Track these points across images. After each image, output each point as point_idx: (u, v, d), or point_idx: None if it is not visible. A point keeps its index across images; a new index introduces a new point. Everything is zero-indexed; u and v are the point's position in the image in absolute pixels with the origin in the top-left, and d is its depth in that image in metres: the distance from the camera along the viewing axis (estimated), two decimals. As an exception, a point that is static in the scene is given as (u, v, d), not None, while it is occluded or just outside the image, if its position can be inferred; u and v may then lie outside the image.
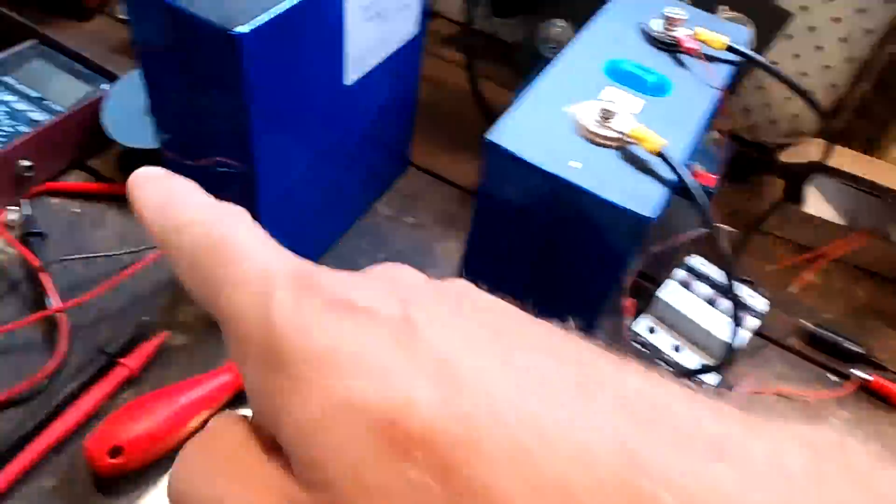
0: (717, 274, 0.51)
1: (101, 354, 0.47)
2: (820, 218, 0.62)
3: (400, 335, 0.13)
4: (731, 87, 0.66)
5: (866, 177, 0.61)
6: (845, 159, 0.63)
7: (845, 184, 0.62)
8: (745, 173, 0.71)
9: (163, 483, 0.42)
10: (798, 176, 0.54)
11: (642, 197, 0.31)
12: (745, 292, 0.50)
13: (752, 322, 0.48)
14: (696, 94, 0.38)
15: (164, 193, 0.19)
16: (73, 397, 0.44)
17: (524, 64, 0.75)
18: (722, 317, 0.48)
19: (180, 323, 0.50)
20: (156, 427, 0.42)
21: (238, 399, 0.46)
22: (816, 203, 0.63)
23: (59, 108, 0.57)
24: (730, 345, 0.36)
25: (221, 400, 0.45)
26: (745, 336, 0.47)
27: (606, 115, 0.34)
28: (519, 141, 0.33)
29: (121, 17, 0.71)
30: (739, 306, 0.48)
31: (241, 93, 0.37)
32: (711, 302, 0.49)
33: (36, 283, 0.50)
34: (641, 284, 0.53)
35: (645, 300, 0.50)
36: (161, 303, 0.51)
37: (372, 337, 0.13)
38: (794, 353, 0.57)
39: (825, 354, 0.57)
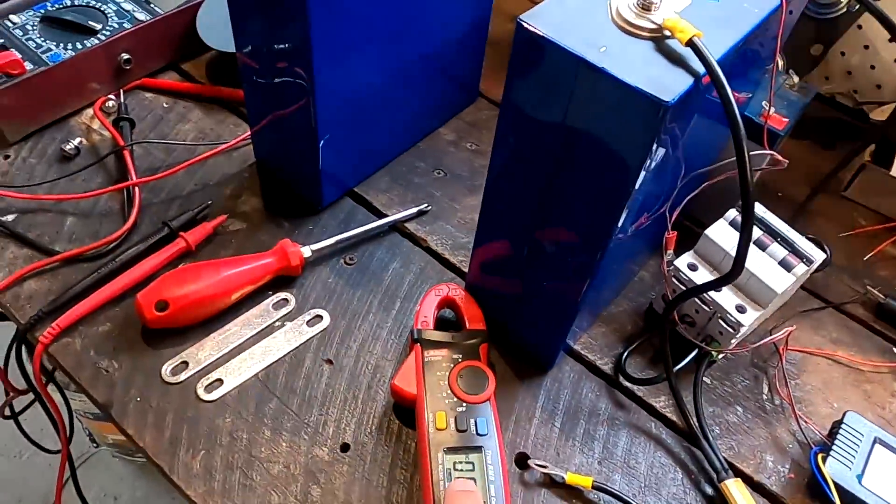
0: (774, 220, 0.48)
1: (165, 227, 0.51)
2: (909, 184, 0.57)
3: None
4: (827, 41, 0.61)
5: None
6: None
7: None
8: (833, 138, 0.66)
9: (200, 343, 0.46)
10: (888, 138, 0.50)
11: (664, 85, 0.30)
12: (804, 243, 0.47)
13: (800, 269, 0.45)
14: (752, 1, 0.36)
15: None
16: (136, 260, 0.49)
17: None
18: (769, 260, 0.46)
19: (241, 211, 0.54)
20: (200, 290, 0.46)
21: (276, 281, 0.49)
22: (906, 166, 0.58)
23: (160, 10, 0.62)
24: (739, 258, 0.34)
25: (262, 279, 0.49)
26: (787, 280, 0.44)
27: (645, 6, 0.33)
28: (551, 25, 0.32)
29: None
30: (790, 251, 0.46)
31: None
32: (762, 246, 0.46)
33: (120, 160, 0.55)
34: (691, 227, 0.51)
35: (693, 243, 0.48)
36: (226, 192, 0.55)
37: None
38: (856, 320, 0.53)
39: (893, 327, 0.53)
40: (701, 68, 0.31)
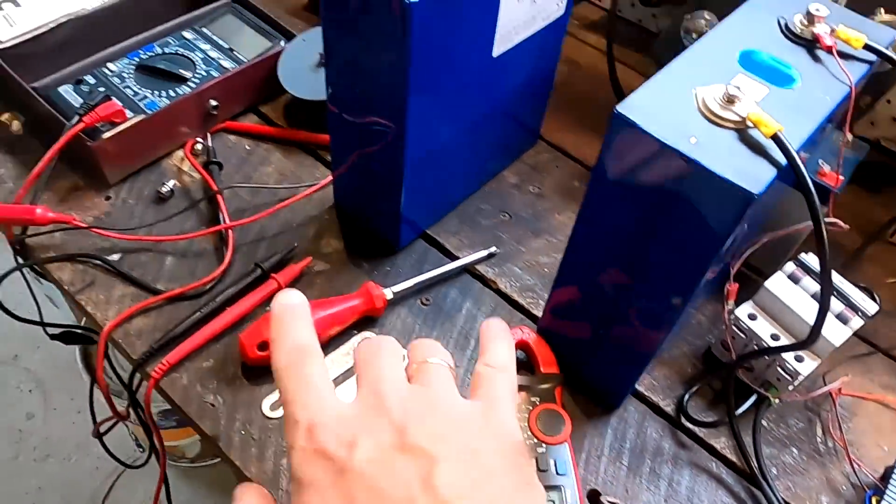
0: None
1: (258, 268, 0.55)
2: (956, 235, 0.60)
3: (338, 477, 0.26)
4: (876, 93, 0.64)
5: None
6: None
7: None
8: (878, 182, 0.69)
9: (296, 380, 0.50)
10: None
11: (751, 175, 0.33)
12: (857, 295, 0.50)
13: (856, 322, 0.48)
14: (824, 88, 0.39)
15: (287, 317, 0.32)
16: (233, 299, 0.53)
17: (663, 52, 0.76)
18: (828, 315, 0.49)
19: (323, 253, 0.58)
20: (296, 332, 0.50)
21: (363, 321, 0.53)
22: (953, 219, 0.60)
23: (243, 58, 0.66)
24: (815, 326, 0.38)
25: (349, 321, 0.52)
26: (844, 333, 0.48)
27: (730, 99, 0.36)
28: (644, 115, 0.36)
29: (299, -17, 0.79)
30: (846, 304, 0.49)
31: (405, 57, 0.43)
32: (819, 299, 0.49)
33: (212, 203, 0.59)
34: (749, 275, 0.55)
35: (750, 290, 0.51)
36: (309, 234, 0.59)
37: (323, 475, 0.26)
38: (905, 365, 0.56)
39: (939, 373, 0.55)
40: (783, 159, 0.35)
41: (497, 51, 0.51)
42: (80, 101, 0.59)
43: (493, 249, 0.59)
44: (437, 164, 0.55)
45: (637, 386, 0.52)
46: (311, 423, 0.28)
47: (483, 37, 0.49)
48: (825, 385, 0.51)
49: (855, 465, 0.49)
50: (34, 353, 1.53)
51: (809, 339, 0.38)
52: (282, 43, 0.68)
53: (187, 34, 0.68)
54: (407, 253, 0.59)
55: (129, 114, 0.59)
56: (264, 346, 0.49)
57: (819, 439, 0.51)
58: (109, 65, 0.64)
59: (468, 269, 0.58)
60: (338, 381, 0.51)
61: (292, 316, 0.32)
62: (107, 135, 0.57)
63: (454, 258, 0.58)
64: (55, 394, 1.47)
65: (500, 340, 0.34)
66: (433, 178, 0.56)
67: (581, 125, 0.71)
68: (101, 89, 0.60)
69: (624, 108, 0.36)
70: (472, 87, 0.52)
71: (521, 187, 0.65)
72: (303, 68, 0.66)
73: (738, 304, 0.50)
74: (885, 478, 0.47)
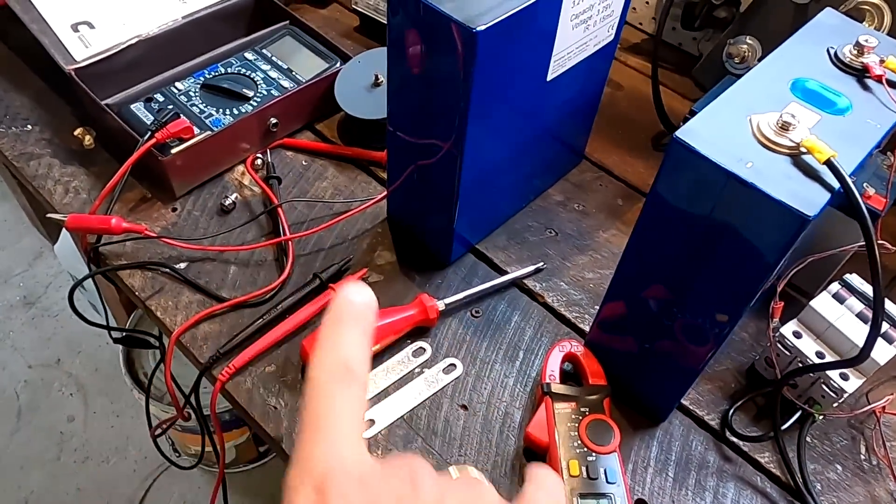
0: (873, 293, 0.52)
1: (316, 278, 0.58)
2: None
3: None
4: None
5: None
6: None
7: None
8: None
9: (354, 386, 0.52)
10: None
11: (805, 198, 0.35)
12: (902, 315, 0.51)
13: (903, 342, 0.49)
14: (874, 116, 0.41)
15: (345, 318, 0.26)
16: (293, 308, 0.56)
17: (705, 76, 0.78)
18: (872, 333, 0.50)
19: (377, 265, 0.60)
20: (356, 340, 0.52)
21: (416, 331, 0.55)
22: None
23: (301, 78, 0.69)
24: (867, 344, 0.39)
25: (403, 330, 0.55)
26: (890, 352, 0.49)
27: (784, 126, 0.38)
28: (702, 141, 0.38)
29: (352, 6, 0.83)
30: (891, 324, 0.50)
31: (468, 82, 0.46)
32: (864, 318, 0.51)
33: (272, 216, 0.62)
34: (792, 294, 0.56)
35: (795, 309, 0.53)
36: (363, 246, 0.62)
37: None
38: (949, 387, 0.57)
39: (984, 394, 0.56)
40: (835, 183, 0.36)
41: (551, 75, 0.54)
42: (151, 117, 0.63)
43: (540, 265, 0.61)
44: (488, 182, 0.58)
45: (682, 400, 0.54)
46: (325, 474, 0.22)
47: (540, 62, 0.52)
48: (869, 403, 0.52)
49: (899, 483, 0.50)
50: (76, 357, 1.57)
51: (860, 357, 0.40)
52: (337, 64, 0.71)
53: (248, 55, 0.71)
54: (457, 266, 0.61)
55: (196, 130, 0.62)
56: (326, 352, 0.51)
57: (863, 456, 0.52)
58: (177, 84, 0.67)
59: (516, 284, 0.61)
60: (394, 386, 0.53)
61: (352, 319, 0.26)
62: (176, 150, 0.61)
63: (502, 272, 0.61)
64: (95, 397, 1.51)
65: (347, 327, 0.26)
66: (484, 195, 0.59)
67: (624, 145, 0.73)
68: (171, 107, 0.64)
69: (683, 133, 0.39)
70: (525, 109, 0.55)
71: (567, 205, 0.67)
72: (358, 88, 0.69)
73: (782, 322, 0.52)
74: (930, 496, 0.48)
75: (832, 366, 0.44)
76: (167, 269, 0.58)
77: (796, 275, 0.49)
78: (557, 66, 0.54)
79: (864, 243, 0.42)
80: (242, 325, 0.55)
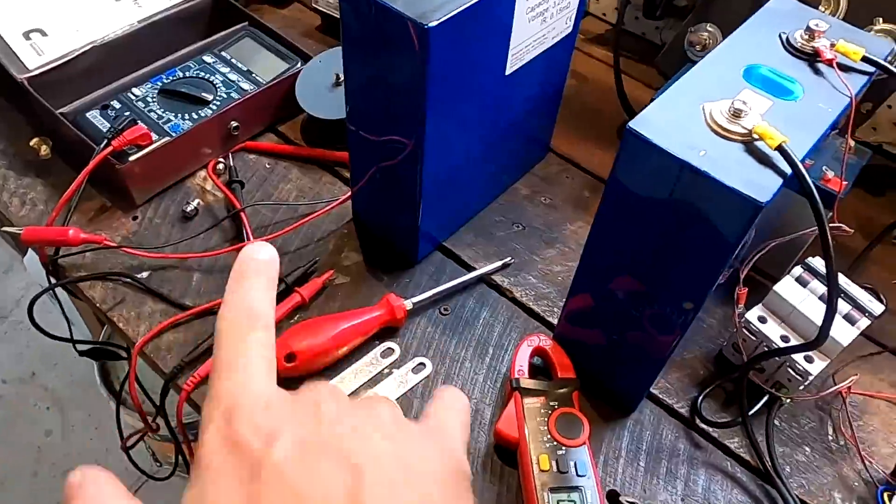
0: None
1: (281, 282, 0.57)
2: (958, 236, 0.62)
3: (249, 474, 0.22)
4: (877, 100, 0.66)
5: None
6: None
7: None
8: (881, 185, 0.71)
9: (323, 389, 0.52)
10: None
11: (758, 185, 0.35)
12: (863, 296, 0.52)
13: (863, 322, 0.50)
14: (825, 100, 0.41)
15: (248, 272, 0.28)
16: (259, 313, 0.55)
17: (668, 65, 0.78)
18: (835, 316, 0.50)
19: (344, 266, 0.60)
20: (322, 343, 0.52)
21: (383, 332, 0.55)
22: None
23: (262, 80, 0.69)
24: (824, 327, 0.39)
25: (371, 331, 0.54)
26: (852, 333, 0.49)
27: (736, 113, 0.38)
28: (655, 130, 0.38)
29: (313, 5, 0.82)
30: (853, 305, 0.51)
31: (423, 78, 0.45)
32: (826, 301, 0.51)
33: (236, 220, 0.61)
34: (757, 279, 0.56)
35: (760, 294, 0.53)
36: (329, 247, 0.61)
37: (232, 469, 0.23)
38: (912, 365, 0.57)
39: (946, 371, 0.57)
40: (788, 169, 0.36)
41: (510, 69, 0.54)
42: (107, 125, 0.62)
43: (507, 260, 0.61)
44: (453, 178, 0.57)
45: (651, 389, 0.54)
46: (232, 403, 0.24)
47: (497, 56, 0.51)
48: (835, 384, 0.52)
49: (866, 462, 0.50)
50: (51, 371, 1.55)
51: (818, 340, 0.40)
52: (298, 64, 0.70)
53: (207, 58, 0.70)
54: (424, 265, 0.61)
55: (154, 137, 0.61)
56: (292, 357, 0.51)
57: (830, 437, 0.52)
58: (134, 90, 0.66)
59: (484, 280, 0.60)
60: (363, 388, 0.52)
61: (253, 273, 0.28)
62: (134, 157, 0.59)
63: (470, 269, 0.60)
64: (73, 411, 1.49)
65: (248, 280, 0.28)
66: (449, 192, 0.58)
67: (589, 137, 0.73)
68: (127, 114, 0.63)
69: (636, 123, 0.38)
70: (485, 104, 0.54)
71: (534, 199, 0.67)
72: (319, 88, 0.68)
73: (747, 307, 0.52)
74: (896, 473, 0.48)
75: (792, 350, 0.45)
76: (129, 279, 0.57)
77: (762, 259, 0.50)
78: (516, 59, 0.53)
79: (818, 226, 0.42)
80: (207, 332, 0.54)
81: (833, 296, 0.38)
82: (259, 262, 0.28)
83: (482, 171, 0.61)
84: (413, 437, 0.26)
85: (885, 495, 0.47)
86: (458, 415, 0.30)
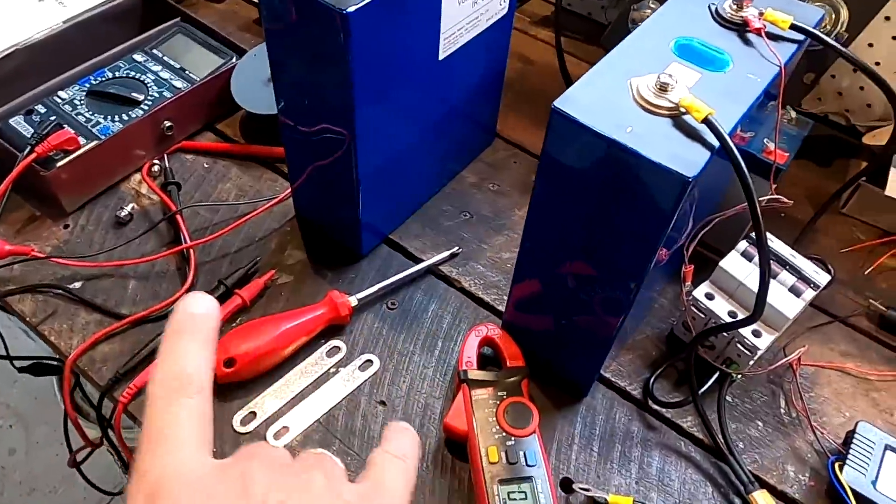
0: (780, 247, 0.52)
1: (221, 285, 0.55)
2: (903, 202, 0.62)
3: None
4: (819, 70, 0.66)
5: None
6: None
7: (932, 169, 0.61)
8: (828, 156, 0.71)
9: (264, 393, 0.50)
10: (880, 158, 0.54)
11: (685, 159, 0.34)
12: (809, 267, 0.51)
13: (808, 294, 0.49)
14: (754, 70, 0.40)
15: (181, 331, 0.27)
16: (198, 318, 0.53)
17: (612, 44, 0.77)
18: (780, 288, 0.50)
19: (287, 265, 0.58)
20: (262, 346, 0.50)
21: (327, 330, 0.53)
22: (899, 187, 0.62)
23: (195, 77, 0.66)
24: (759, 300, 0.39)
25: (315, 330, 0.53)
26: (798, 305, 0.49)
27: (662, 87, 0.37)
28: (581, 108, 0.37)
29: (248, -2, 0.80)
30: (798, 277, 0.50)
31: (347, 65, 0.44)
32: (773, 275, 0.51)
33: (173, 224, 0.59)
34: (708, 256, 0.56)
35: (710, 271, 0.52)
36: (272, 246, 0.59)
37: None
38: (862, 332, 0.57)
39: (894, 336, 0.57)
40: (716, 142, 0.36)
41: (443, 53, 0.52)
42: (32, 131, 0.59)
43: (455, 249, 0.60)
44: (394, 169, 0.56)
45: (604, 372, 0.53)
46: (158, 481, 0.23)
47: (427, 41, 0.50)
48: (786, 357, 0.52)
49: (818, 433, 0.50)
50: (11, 387, 1.50)
51: (755, 314, 0.39)
52: (233, 59, 0.68)
53: (138, 56, 0.68)
54: (371, 259, 0.59)
55: (82, 141, 0.59)
56: (231, 362, 0.49)
57: (783, 410, 0.52)
58: (60, 93, 0.63)
59: (432, 271, 0.59)
60: (308, 389, 0.51)
61: (188, 330, 0.27)
62: (60, 163, 0.57)
63: (418, 261, 0.59)
64: (36, 427, 1.45)
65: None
66: (391, 183, 0.57)
67: (536, 121, 0.72)
68: (53, 118, 0.60)
69: (562, 102, 0.37)
70: (421, 90, 0.53)
71: (481, 186, 0.66)
72: (256, 83, 0.66)
73: (696, 284, 0.52)
74: (847, 443, 0.48)
75: (733, 325, 0.44)
76: (60, 290, 0.54)
77: (711, 236, 0.49)
78: (448, 43, 0.52)
79: (764, 199, 0.42)
80: (144, 341, 0.52)
81: (765, 268, 0.37)
82: (195, 318, 0.27)
83: (425, 159, 0.60)
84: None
85: (836, 465, 0.47)
86: (402, 464, 0.29)
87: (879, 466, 0.47)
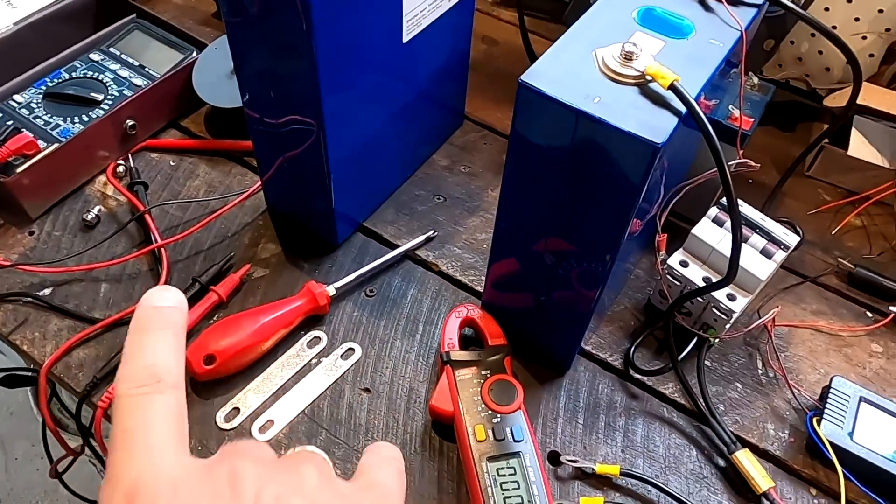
0: (750, 211, 0.53)
1: (196, 283, 0.54)
2: (864, 161, 0.63)
3: None
4: (779, 35, 0.67)
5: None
6: (893, 101, 0.63)
7: (891, 126, 0.63)
8: (792, 120, 0.72)
9: (246, 388, 0.50)
10: (840, 119, 0.55)
11: (653, 126, 0.35)
12: (778, 229, 0.52)
13: (779, 256, 0.50)
14: (716, 35, 0.41)
15: (147, 326, 0.25)
16: (175, 317, 0.52)
17: (573, 20, 0.78)
18: (751, 251, 0.51)
19: (262, 258, 0.58)
20: (241, 340, 0.49)
21: (307, 321, 0.53)
22: (860, 146, 0.64)
23: (156, 73, 0.65)
24: (732, 263, 0.39)
25: (294, 322, 0.52)
26: (770, 267, 0.50)
27: (628, 56, 0.37)
28: (548, 81, 0.37)
29: (205, -9, 0.78)
30: (768, 239, 0.51)
31: (311, 53, 0.43)
32: (744, 238, 0.52)
33: (142, 224, 0.58)
34: (681, 224, 0.56)
35: (683, 239, 0.53)
36: (245, 241, 0.59)
37: None
38: (832, 291, 0.59)
39: (864, 293, 0.58)
40: (682, 107, 0.36)
41: (407, 36, 0.52)
42: (-12, 137, 0.57)
43: (430, 233, 0.60)
44: (365, 156, 0.55)
45: (585, 345, 0.54)
46: (134, 483, 0.21)
47: (390, 24, 0.49)
48: (760, 319, 0.53)
49: (795, 391, 0.51)
50: (-14, 404, 1.47)
51: (728, 277, 0.40)
52: (194, 53, 0.67)
53: (94, 56, 0.66)
54: (346, 248, 0.59)
55: (42, 144, 0.57)
56: (211, 358, 0.48)
57: (760, 371, 0.53)
58: (16, 96, 0.62)
59: (409, 256, 0.59)
60: (291, 381, 0.51)
61: (155, 325, 0.25)
62: (21, 169, 0.56)
63: (394, 247, 0.59)
64: (15, 443, 1.42)
65: (150, 334, 0.25)
66: (362, 170, 0.56)
67: (504, 100, 0.72)
68: (10, 122, 0.58)
69: (528, 76, 0.37)
70: (387, 75, 0.52)
71: (453, 169, 0.66)
72: (218, 77, 0.65)
73: (670, 253, 0.52)
74: (823, 398, 0.49)
75: (707, 289, 0.45)
76: (29, 298, 0.53)
77: (683, 205, 0.49)
78: (412, 25, 0.52)
79: (732, 164, 0.42)
80: (121, 344, 0.51)
81: (737, 231, 0.38)
82: (162, 311, 0.25)
83: (395, 145, 0.60)
84: (345, 499, 0.24)
85: (814, 421, 0.48)
86: (392, 464, 0.28)
87: (855, 418, 0.48)
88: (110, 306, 0.54)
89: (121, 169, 0.62)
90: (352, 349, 0.53)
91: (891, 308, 0.56)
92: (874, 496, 0.45)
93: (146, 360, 0.24)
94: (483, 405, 0.47)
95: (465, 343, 0.52)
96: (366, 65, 0.49)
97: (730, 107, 0.55)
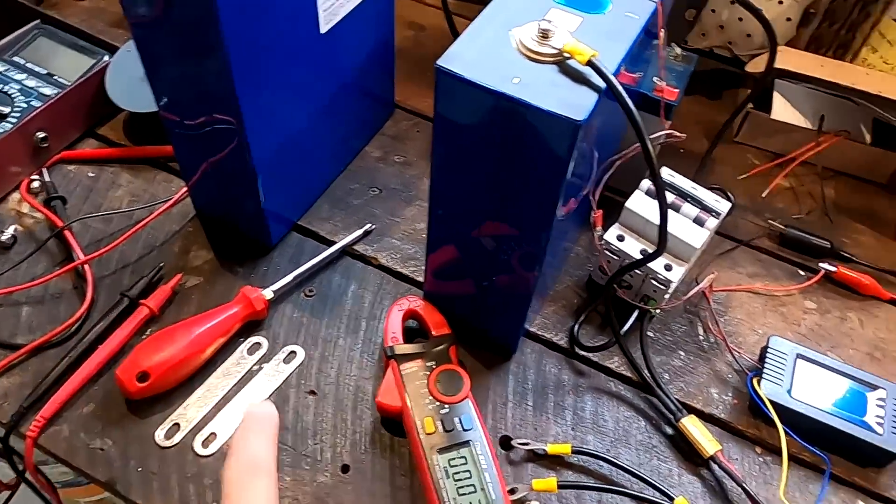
0: (681, 181, 0.54)
1: (124, 298, 0.52)
2: (788, 124, 0.65)
3: None
4: (699, 5, 0.68)
5: (833, 80, 0.63)
6: (811, 63, 0.65)
7: (812, 88, 0.64)
8: (717, 88, 0.73)
9: (186, 402, 0.48)
10: (761, 83, 0.56)
11: (573, 104, 0.34)
12: (709, 197, 0.53)
13: (711, 223, 0.51)
14: (632, 9, 0.41)
15: (252, 427, 0.34)
16: (103, 336, 0.50)
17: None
18: (684, 220, 0.52)
19: (194, 266, 0.56)
20: (176, 354, 0.48)
21: (245, 328, 0.52)
22: (783, 109, 0.65)
23: (65, 81, 0.62)
24: (661, 234, 0.39)
25: (231, 329, 0.51)
26: (703, 234, 0.51)
27: (544, 34, 0.37)
28: (466, 64, 0.36)
29: (114, -9, 0.74)
30: (700, 207, 0.52)
31: (222, 48, 0.41)
32: (675, 209, 0.52)
33: (62, 240, 0.55)
34: (617, 199, 0.57)
35: (618, 213, 0.53)
36: (175, 250, 0.57)
37: None
38: (766, 253, 0.60)
39: (796, 252, 0.60)
40: (602, 83, 0.36)
41: (325, 26, 0.50)
42: None
43: (368, 227, 0.59)
44: (292, 152, 0.54)
45: (529, 327, 0.54)
46: None
47: (304, 15, 0.48)
48: (698, 286, 0.54)
49: (735, 353, 0.52)
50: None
51: (660, 248, 0.40)
52: (105, 58, 0.64)
53: (-4, 66, 0.62)
54: (282, 249, 0.57)
55: (-57, 164, 0.54)
56: (144, 376, 0.46)
57: (701, 337, 0.54)
58: (-89, 115, 0.58)
59: (347, 252, 0.58)
60: (233, 391, 0.49)
61: (257, 427, 0.33)
62: (-78, 191, 0.52)
63: (331, 243, 0.57)
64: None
65: (253, 434, 0.34)
66: (291, 167, 0.55)
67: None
68: None
69: (445, 60, 0.37)
70: (306, 67, 0.51)
71: (386, 159, 0.65)
72: (133, 81, 0.62)
73: (606, 228, 0.52)
74: (762, 358, 0.50)
75: (640, 262, 0.45)
76: (-56, 329, 0.50)
77: (615, 179, 0.50)
78: (329, 15, 0.50)
79: (660, 136, 0.42)
80: (48, 369, 0.48)
81: (663, 202, 0.38)
82: (260, 416, 0.34)
83: (324, 139, 0.58)
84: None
85: (755, 381, 0.49)
86: (260, 488, 0.32)
87: (793, 375, 0.49)
88: (33, 330, 0.51)
89: (36, 184, 0.59)
90: (294, 352, 0.51)
91: (820, 265, 0.58)
92: (814, 449, 0.47)
93: (248, 453, 0.32)
94: (430, 397, 0.46)
95: (409, 335, 0.51)
96: (282, 58, 0.47)
97: (654, 78, 0.55)
